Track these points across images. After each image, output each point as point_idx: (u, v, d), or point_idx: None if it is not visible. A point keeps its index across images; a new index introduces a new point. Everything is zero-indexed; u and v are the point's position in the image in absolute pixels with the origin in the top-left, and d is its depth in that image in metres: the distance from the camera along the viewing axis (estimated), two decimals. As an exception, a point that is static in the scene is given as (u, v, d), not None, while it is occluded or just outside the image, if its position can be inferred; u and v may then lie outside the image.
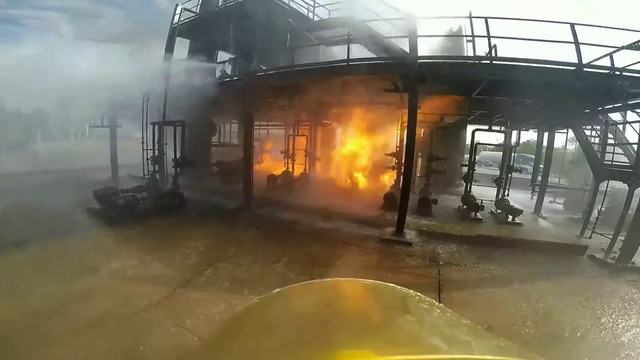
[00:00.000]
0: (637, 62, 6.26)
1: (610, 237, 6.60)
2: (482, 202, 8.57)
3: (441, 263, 5.86)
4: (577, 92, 6.74)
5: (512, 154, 9.96)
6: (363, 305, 1.11)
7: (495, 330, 3.78)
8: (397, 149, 10.48)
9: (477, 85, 7.10)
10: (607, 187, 7.84)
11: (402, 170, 6.90)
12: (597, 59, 6.56)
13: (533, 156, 11.93)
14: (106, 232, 6.37)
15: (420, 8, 6.78)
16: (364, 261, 5.82)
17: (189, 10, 10.35)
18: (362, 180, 11.83)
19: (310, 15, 11.24)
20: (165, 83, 8.84)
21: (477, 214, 8.49)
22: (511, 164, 9.59)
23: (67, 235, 5.99)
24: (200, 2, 11.52)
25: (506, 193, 9.19)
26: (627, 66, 6.34)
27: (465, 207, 8.94)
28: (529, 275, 5.47)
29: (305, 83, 8.30)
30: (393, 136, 11.14)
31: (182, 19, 9.97)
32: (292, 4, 10.80)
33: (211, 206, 8.80)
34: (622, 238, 6.40)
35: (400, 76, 6.88)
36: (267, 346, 0.83)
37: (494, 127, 10.24)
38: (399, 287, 1.19)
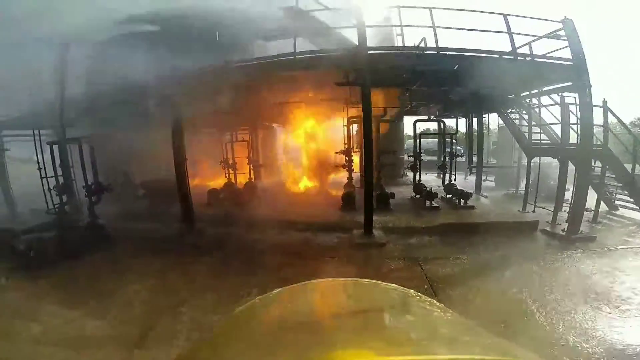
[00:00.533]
0: (553, 51, 6.96)
1: (552, 209, 7.29)
2: (431, 189, 8.83)
3: (420, 259, 5.67)
4: (506, 79, 7.23)
5: (453, 140, 10.59)
6: (363, 305, 1.07)
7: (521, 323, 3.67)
8: (346, 145, 10.32)
9: (421, 76, 7.15)
10: (539, 162, 8.78)
11: (363, 168, 6.57)
12: (520, 47, 7.11)
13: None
14: (11, 287, 4.73)
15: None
16: (343, 274, 5.19)
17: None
18: (312, 182, 11.31)
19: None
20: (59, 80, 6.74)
21: (432, 202, 8.70)
22: (453, 150, 10.15)
23: None
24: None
25: (453, 178, 9.67)
26: (546, 54, 7.04)
27: (418, 196, 9.12)
28: (506, 259, 5.59)
29: (247, 80, 7.30)
30: (338, 133, 10.89)
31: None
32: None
33: (144, 236, 7.20)
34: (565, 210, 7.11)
35: (351, 69, 6.53)
36: (266, 346, 0.82)
37: (427, 117, 10.77)
38: (399, 287, 1.16)
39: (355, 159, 10.53)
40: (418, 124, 10.01)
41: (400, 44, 8.60)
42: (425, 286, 4.73)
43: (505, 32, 6.77)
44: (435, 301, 1.12)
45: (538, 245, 6.37)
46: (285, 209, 8.69)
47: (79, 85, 7.12)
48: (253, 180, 10.99)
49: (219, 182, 10.51)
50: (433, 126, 13.27)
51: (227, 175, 10.65)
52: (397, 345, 0.71)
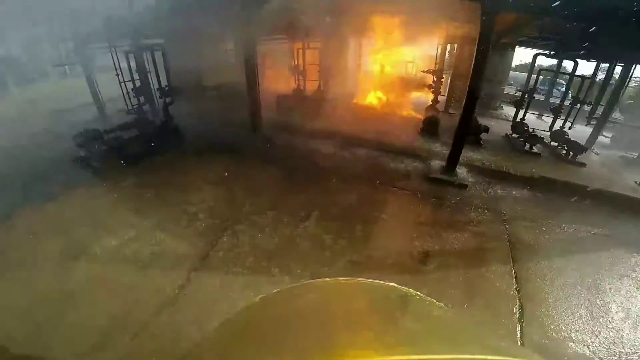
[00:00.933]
0: None
1: None
2: (534, 132, 7.12)
3: (506, 216, 4.72)
4: None
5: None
6: (363, 305, 1.04)
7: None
8: (437, 65, 8.77)
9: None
10: None
11: (467, 94, 5.15)
12: None
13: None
14: (94, 191, 5.12)
15: None
16: (413, 214, 4.67)
17: None
18: (389, 100, 9.98)
19: None
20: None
21: (534, 147, 7.10)
22: (579, 95, 7.72)
23: (50, 201, 4.75)
24: None
25: (567, 126, 7.66)
26: None
27: (516, 136, 7.49)
28: (609, 240, 4.39)
29: None
30: (429, 51, 9.12)
31: None
32: None
33: (214, 138, 7.30)
34: None
35: None
36: (266, 346, 0.82)
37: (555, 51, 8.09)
38: (398, 286, 1.10)
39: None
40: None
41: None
42: (505, 251, 3.98)
43: None
44: (435, 301, 1.05)
45: None
46: (355, 123, 7.90)
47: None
48: (323, 89, 10.07)
49: (288, 88, 9.85)
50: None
51: (297, 82, 9.89)
52: (397, 345, 0.70)
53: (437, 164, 6.00)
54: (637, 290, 3.56)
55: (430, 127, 7.36)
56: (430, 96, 8.87)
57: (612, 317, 3.16)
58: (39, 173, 5.50)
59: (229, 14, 6.83)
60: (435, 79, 8.68)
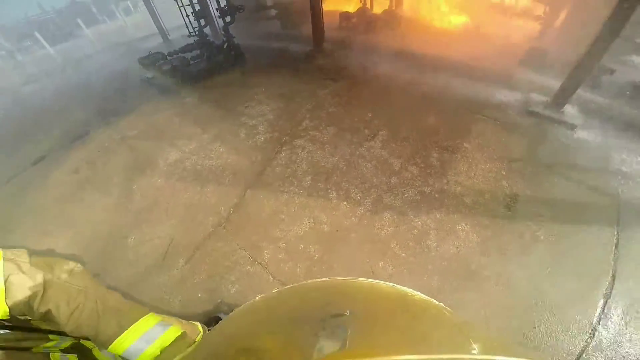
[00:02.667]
0: None
1: None
2: None
3: (618, 171, 3.50)
4: None
5: None
6: (363, 304, 1.01)
7: None
8: None
9: None
10: None
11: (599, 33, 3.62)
12: None
13: None
14: (159, 106, 5.23)
15: None
16: (504, 148, 3.76)
17: None
18: (482, 24, 8.13)
19: None
20: None
21: None
22: None
23: (120, 118, 5.00)
24: None
25: None
26: None
27: None
28: None
29: None
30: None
31: None
32: None
33: (274, 55, 6.94)
34: None
35: None
36: (266, 346, 0.81)
37: None
38: (398, 286, 1.03)
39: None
40: None
41: None
42: (612, 211, 2.97)
43: None
44: (435, 300, 0.96)
45: None
46: (434, 46, 6.67)
47: None
48: (393, 7, 8.59)
49: (352, 7, 8.61)
50: None
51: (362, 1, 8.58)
52: (397, 345, 0.70)
53: (540, 98, 4.76)
54: None
55: (534, 55, 5.81)
56: (539, 27, 6.97)
57: None
58: (110, 95, 5.82)
59: None
60: (546, 8, 6.71)
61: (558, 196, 3.13)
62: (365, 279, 1.09)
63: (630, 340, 2.11)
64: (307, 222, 2.88)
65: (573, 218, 2.89)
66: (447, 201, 3.07)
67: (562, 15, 7.11)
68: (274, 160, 3.61)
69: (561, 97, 4.42)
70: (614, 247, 2.65)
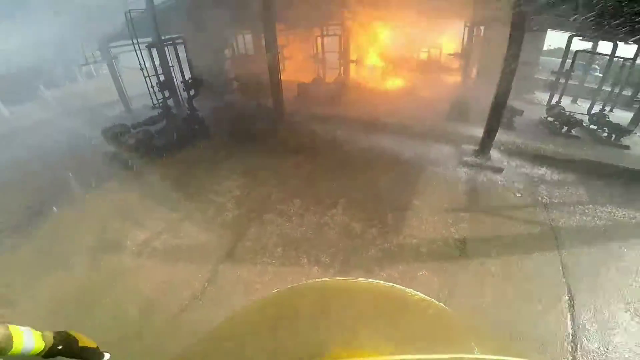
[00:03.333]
0: None
1: None
2: (572, 115, 6.68)
3: (545, 201, 4.36)
4: None
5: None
6: (363, 305, 1.02)
7: None
8: (464, 49, 8.40)
9: None
10: None
11: (501, 77, 4.76)
12: None
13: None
14: (124, 184, 5.26)
15: None
16: (447, 199, 4.40)
17: None
18: (415, 84, 9.53)
19: None
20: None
21: (572, 130, 6.58)
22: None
23: (85, 194, 4.94)
24: None
25: (608, 109, 7.35)
26: None
27: (552, 120, 6.92)
28: None
29: None
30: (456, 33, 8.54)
31: None
32: None
33: (237, 129, 7.31)
34: None
35: None
36: (266, 346, 0.82)
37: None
38: (398, 286, 1.09)
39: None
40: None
41: None
42: (548, 237, 3.67)
43: None
44: (434, 300, 1.00)
45: None
46: (379, 108, 7.62)
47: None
48: (343, 76, 9.82)
49: (307, 77, 9.67)
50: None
51: (317, 70, 9.72)
52: (397, 345, 0.69)
53: (468, 148, 5.65)
54: None
55: (458, 110, 6.94)
56: (458, 79, 8.40)
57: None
58: (73, 168, 5.68)
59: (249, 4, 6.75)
60: (462, 62, 8.21)
61: (501, 233, 3.71)
62: (365, 280, 1.15)
63: (614, 345, 2.49)
64: (281, 286, 3.07)
65: (518, 250, 3.45)
66: (406, 253, 3.47)
67: (475, 68, 8.62)
68: (244, 235, 3.81)
69: (486, 144, 5.31)
70: (560, 267, 3.21)
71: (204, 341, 1.10)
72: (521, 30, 4.60)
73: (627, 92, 8.08)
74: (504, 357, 0.68)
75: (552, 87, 7.67)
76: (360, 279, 1.17)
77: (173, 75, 7.64)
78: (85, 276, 3.31)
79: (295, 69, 10.60)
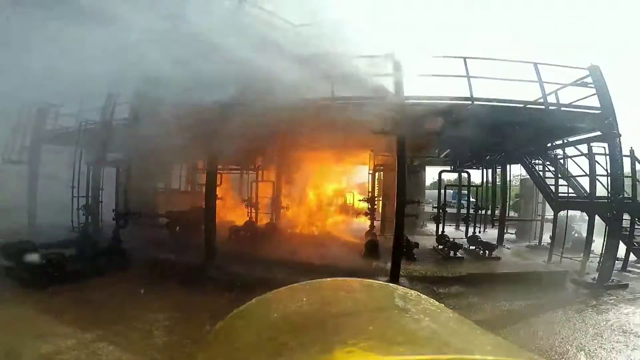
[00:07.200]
0: (579, 100, 7.11)
1: (578, 260, 7.12)
2: (455, 240, 8.64)
3: (451, 307, 5.29)
4: (534, 129, 7.28)
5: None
6: (363, 305, 1.07)
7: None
8: (370, 193, 10.38)
9: (459, 125, 6.83)
10: (566, 215, 8.66)
11: (396, 216, 6.47)
12: (548, 94, 7.12)
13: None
14: (24, 300, 4.49)
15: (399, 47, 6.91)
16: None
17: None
18: (334, 227, 11.15)
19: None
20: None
21: (457, 253, 8.45)
22: (477, 202, 10.12)
23: None
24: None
25: (477, 230, 9.66)
26: (572, 102, 7.13)
27: (441, 247, 8.87)
28: (537, 307, 5.43)
29: (280, 121, 7.31)
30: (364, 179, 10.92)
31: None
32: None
33: (164, 264, 6.90)
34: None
35: (388, 117, 6.47)
36: (266, 346, 0.82)
37: (451, 167, 10.89)
38: (399, 286, 1.17)
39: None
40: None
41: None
42: None
43: (535, 81, 6.90)
44: (435, 301, 1.10)
45: (569, 294, 6.27)
46: (305, 251, 8.45)
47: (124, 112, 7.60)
48: (274, 220, 10.96)
49: (238, 220, 10.48)
50: (452, 176, 13.12)
51: (249, 213, 10.70)
52: (397, 345, 0.70)
53: (382, 279, 6.60)
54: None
55: (371, 249, 8.26)
56: (368, 222, 10.23)
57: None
58: None
59: (195, 142, 7.68)
60: (369, 205, 10.20)
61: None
62: (365, 280, 1.20)
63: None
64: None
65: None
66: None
67: (379, 208, 10.38)
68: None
69: (395, 274, 6.46)
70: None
71: (204, 342, 1.10)
72: (403, 172, 6.46)
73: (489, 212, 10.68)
74: (504, 357, 0.69)
75: (436, 219, 9.65)
76: (361, 279, 1.21)
77: (101, 199, 7.46)
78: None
79: (228, 209, 11.46)
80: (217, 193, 7.73)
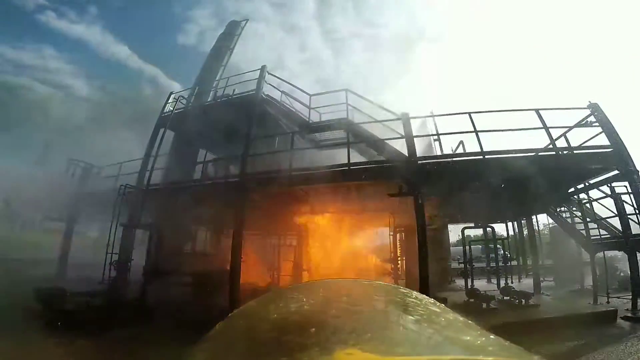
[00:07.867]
0: (587, 140, 7.20)
1: (627, 298, 6.73)
2: (485, 292, 8.17)
3: None
4: (552, 175, 7.17)
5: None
6: (363, 305, 1.06)
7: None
8: (392, 254, 10.29)
9: (474, 182, 7.04)
10: (604, 255, 8.10)
11: (420, 275, 6.41)
12: (556, 139, 7.25)
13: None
14: (44, 340, 4.54)
15: (411, 109, 7.36)
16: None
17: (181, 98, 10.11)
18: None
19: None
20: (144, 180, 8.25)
21: (490, 304, 7.92)
22: (506, 254, 9.78)
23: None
24: (194, 93, 11.17)
25: (509, 281, 9.27)
26: (582, 144, 7.23)
27: (472, 300, 8.28)
28: (590, 346, 5.13)
29: (301, 188, 7.73)
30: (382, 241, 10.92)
31: (171, 110, 9.62)
32: (284, 105, 9.50)
33: (187, 321, 6.83)
34: None
35: (403, 179, 6.72)
36: (266, 346, 0.81)
37: (474, 224, 10.74)
38: (399, 287, 1.18)
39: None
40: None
41: (437, 150, 9.55)
42: None
43: (541, 128, 6.99)
44: (437, 302, 1.10)
45: (623, 330, 6.02)
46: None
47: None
48: (295, 283, 10.70)
49: (261, 281, 10.37)
50: (477, 231, 12.79)
51: (271, 276, 10.64)
52: (397, 346, 0.70)
53: None
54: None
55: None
56: (391, 281, 9.84)
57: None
58: None
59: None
60: (392, 266, 9.99)
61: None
62: (366, 280, 1.22)
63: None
64: None
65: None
66: None
67: (402, 268, 9.92)
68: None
69: None
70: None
71: (204, 342, 1.09)
72: (423, 231, 6.42)
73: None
74: (505, 358, 0.70)
75: (464, 274, 9.26)
76: (362, 279, 1.26)
77: (131, 258, 7.85)
78: None
79: (250, 272, 11.35)
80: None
